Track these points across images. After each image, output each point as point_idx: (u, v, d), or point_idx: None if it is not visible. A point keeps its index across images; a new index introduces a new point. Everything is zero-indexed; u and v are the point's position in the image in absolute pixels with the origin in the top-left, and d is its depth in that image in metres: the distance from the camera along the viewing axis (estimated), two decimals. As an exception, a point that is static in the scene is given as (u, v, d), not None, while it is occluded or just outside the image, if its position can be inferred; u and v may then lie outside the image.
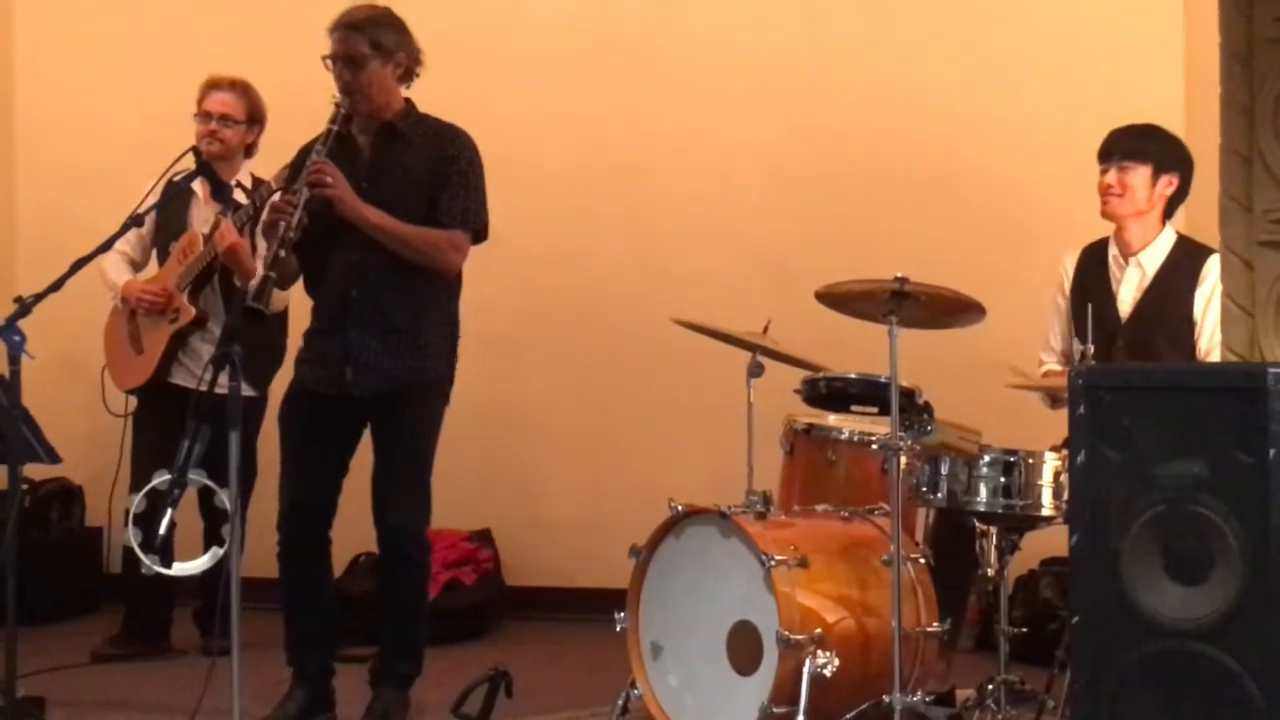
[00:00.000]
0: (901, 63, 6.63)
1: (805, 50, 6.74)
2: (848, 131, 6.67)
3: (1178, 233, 5.08)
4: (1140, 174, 4.98)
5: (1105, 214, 5.04)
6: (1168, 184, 5.00)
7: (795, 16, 6.77)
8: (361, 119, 4.84)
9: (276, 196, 4.80)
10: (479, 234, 4.89)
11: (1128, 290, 5.04)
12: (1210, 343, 4.83)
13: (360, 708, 4.86)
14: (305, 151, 4.80)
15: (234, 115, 5.95)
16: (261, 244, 5.70)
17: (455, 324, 4.97)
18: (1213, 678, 3.17)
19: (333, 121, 4.74)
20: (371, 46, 4.77)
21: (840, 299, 4.59)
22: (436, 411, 4.91)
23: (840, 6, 6.74)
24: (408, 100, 4.91)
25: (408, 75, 4.88)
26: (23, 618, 4.34)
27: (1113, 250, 5.10)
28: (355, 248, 4.75)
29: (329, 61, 4.78)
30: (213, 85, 5.99)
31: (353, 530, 5.00)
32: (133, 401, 5.97)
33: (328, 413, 4.82)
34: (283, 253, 4.55)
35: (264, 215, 4.73)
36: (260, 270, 4.62)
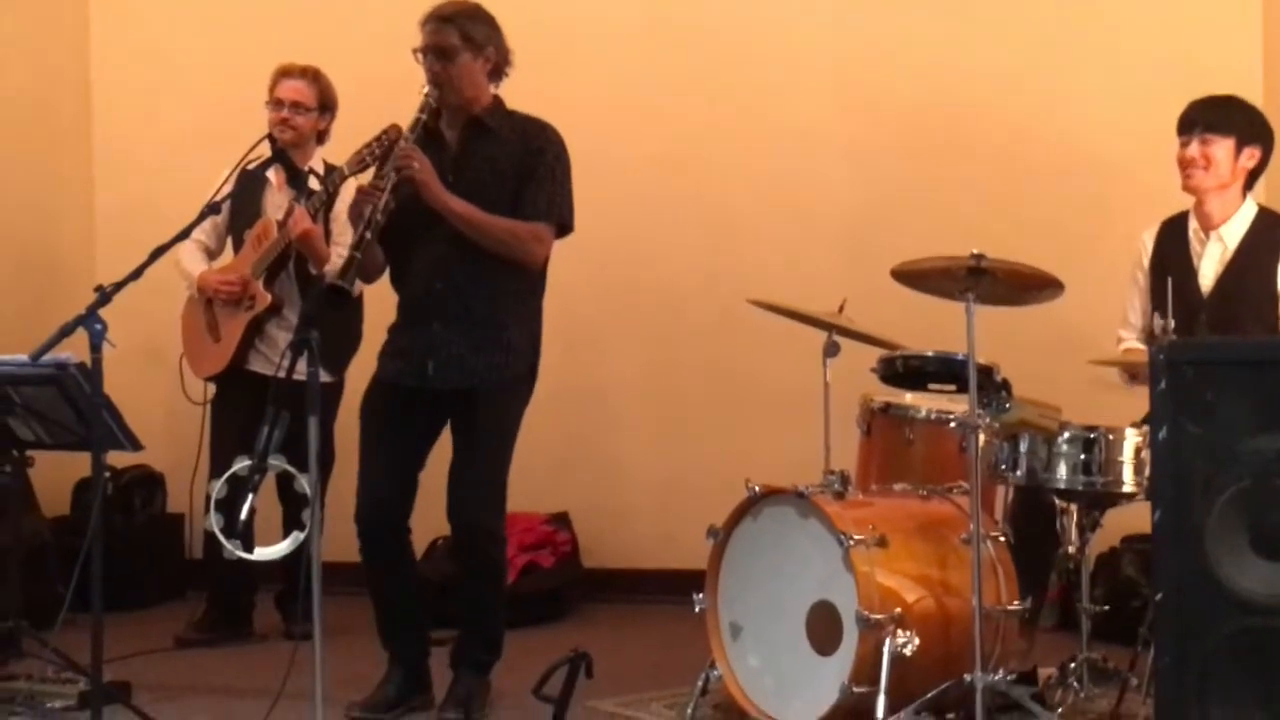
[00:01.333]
0: (974, 38, 6.57)
1: (875, 29, 6.70)
2: (920, 108, 6.63)
3: (1259, 205, 5.01)
4: (1223, 146, 4.90)
5: (1187, 187, 4.97)
6: (1250, 156, 4.92)
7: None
8: (449, 113, 4.84)
9: (363, 181, 4.81)
10: (564, 226, 4.87)
11: (1209, 265, 4.97)
12: (1293, 314, 4.77)
13: (441, 690, 4.89)
14: (391, 137, 4.79)
15: (305, 102, 5.98)
16: (336, 228, 5.75)
17: (539, 320, 4.96)
18: (1300, 654, 3.14)
19: (422, 110, 4.72)
20: (462, 39, 4.76)
21: (916, 277, 4.56)
22: (516, 411, 4.90)
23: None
24: (496, 96, 4.91)
25: (497, 72, 4.86)
26: (108, 603, 4.37)
27: (1193, 224, 5.03)
28: (440, 240, 4.75)
29: (419, 54, 4.78)
30: (284, 73, 6.02)
31: (431, 514, 5.01)
32: (211, 389, 6.00)
33: (407, 407, 4.83)
34: (369, 235, 4.56)
35: (351, 199, 4.74)
36: (346, 252, 4.63)
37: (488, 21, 4.84)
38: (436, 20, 4.79)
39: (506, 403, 4.86)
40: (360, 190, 4.69)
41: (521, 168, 4.80)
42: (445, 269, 4.79)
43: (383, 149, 4.80)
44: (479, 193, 4.75)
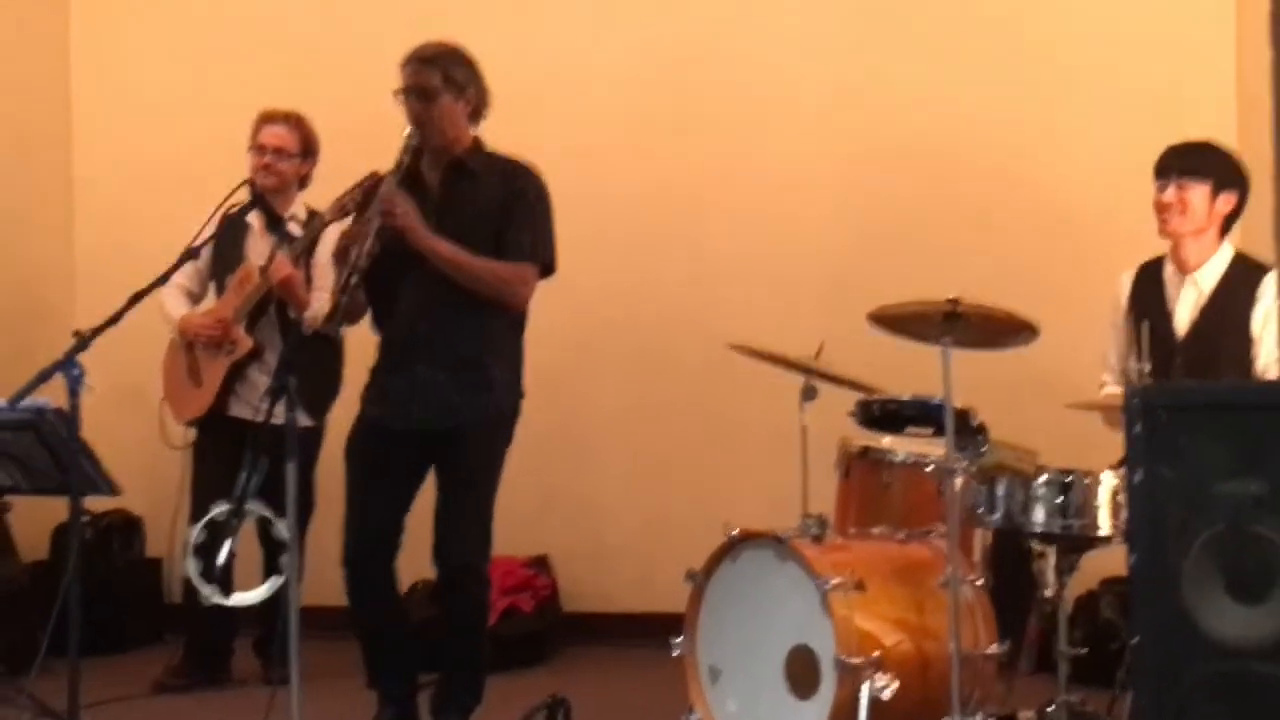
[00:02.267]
0: (957, 84, 6.62)
1: (859, 73, 6.74)
2: (901, 153, 6.66)
3: (1235, 250, 5.04)
4: (1199, 191, 4.93)
5: (1164, 232, 5.00)
6: (1226, 201, 4.95)
7: (847, 42, 6.77)
8: (430, 155, 4.86)
9: (349, 223, 4.83)
10: (547, 267, 4.91)
11: (1184, 309, 5.00)
12: (1269, 359, 4.80)
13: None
14: (374, 181, 4.81)
15: (288, 148, 5.99)
16: (317, 274, 5.76)
17: (520, 357, 4.99)
18: (1276, 698, 3.14)
19: (405, 152, 4.75)
20: (444, 80, 4.80)
21: (893, 321, 4.58)
22: (500, 449, 4.93)
23: (892, 32, 6.73)
24: (476, 138, 4.94)
25: (477, 114, 4.90)
26: (85, 648, 4.36)
27: (1169, 268, 5.06)
28: (423, 284, 4.77)
29: (400, 95, 4.80)
30: (266, 119, 6.03)
31: (410, 558, 5.01)
32: (191, 433, 6.00)
33: (393, 449, 4.84)
34: (354, 280, 4.58)
35: (333, 245, 4.76)
36: (329, 297, 4.64)
37: (468, 63, 4.87)
38: (418, 62, 4.81)
39: (491, 442, 4.89)
40: (344, 234, 4.71)
41: (503, 209, 4.83)
42: (429, 310, 4.81)
43: (363, 194, 4.81)
44: (462, 235, 4.77)
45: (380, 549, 4.87)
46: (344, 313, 4.64)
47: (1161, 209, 4.96)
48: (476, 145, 4.93)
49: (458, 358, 4.81)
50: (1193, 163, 4.94)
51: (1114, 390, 5.11)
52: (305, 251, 5.73)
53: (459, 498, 4.82)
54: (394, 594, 4.99)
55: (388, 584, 4.94)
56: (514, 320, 4.94)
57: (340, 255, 4.66)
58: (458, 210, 4.83)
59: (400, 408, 4.82)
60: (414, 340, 4.83)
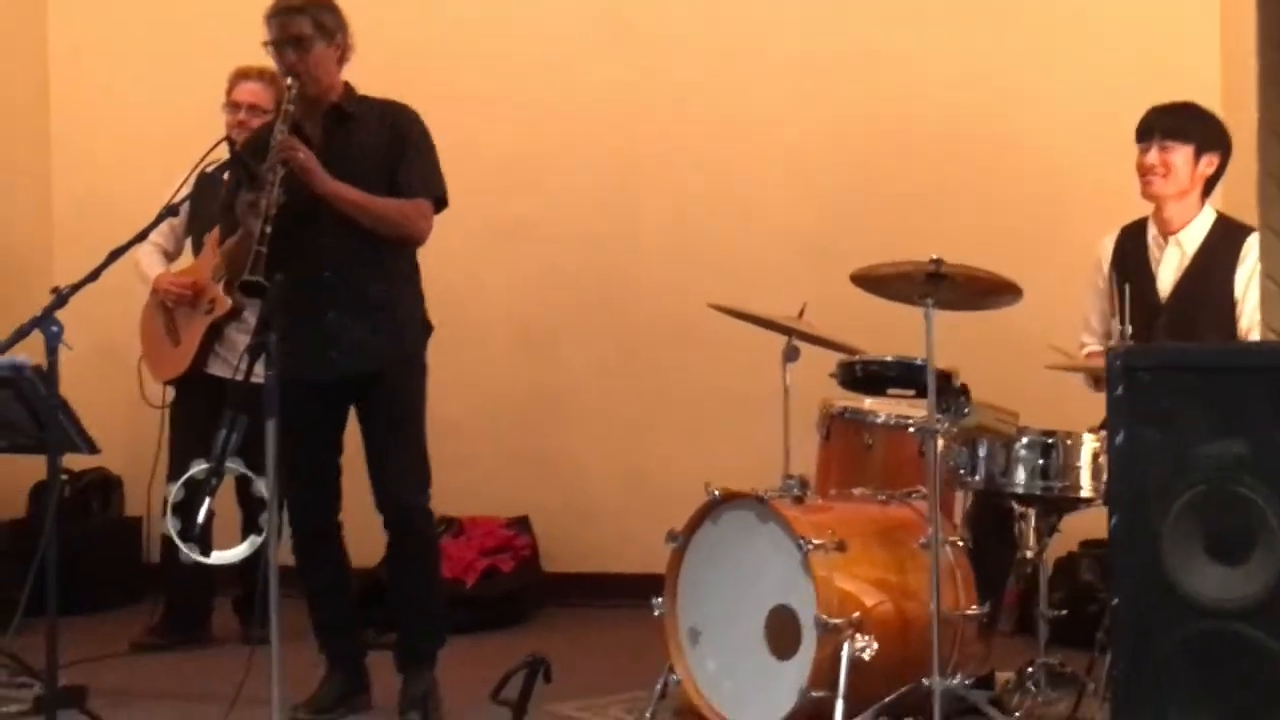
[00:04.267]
0: (933, 44, 6.59)
1: (836, 36, 6.70)
2: (881, 114, 6.64)
3: (1217, 212, 5.04)
4: (1182, 153, 4.93)
5: (1146, 194, 4.99)
6: (1209, 164, 4.95)
7: (827, 1, 6.74)
8: (306, 104, 4.84)
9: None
10: (440, 201, 4.92)
11: (1167, 270, 5.00)
12: (1251, 321, 4.79)
13: (379, 692, 4.92)
14: (261, 140, 4.80)
15: (263, 105, 5.94)
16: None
17: (422, 299, 5.00)
18: (1254, 658, 3.15)
19: (289, 102, 4.73)
20: (315, 27, 4.79)
21: (876, 282, 4.57)
22: (421, 387, 4.95)
23: (868, -7, 6.71)
24: (347, 84, 4.93)
25: (344, 57, 4.89)
26: (63, 607, 4.34)
27: (1152, 230, 5.05)
28: (323, 230, 4.77)
29: (271, 47, 4.80)
30: (242, 75, 5.99)
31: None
32: (170, 392, 5.99)
33: (313, 400, 4.79)
34: (267, 229, 4.55)
35: (241, 198, 4.73)
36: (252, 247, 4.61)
37: (334, 9, 4.87)
38: (286, 11, 4.80)
39: (411, 380, 4.92)
40: (252, 185, 4.68)
41: (390, 151, 4.85)
42: (333, 256, 4.81)
43: (252, 148, 4.80)
44: (353, 179, 4.77)
45: (320, 501, 4.90)
46: (265, 262, 4.59)
47: (1144, 171, 4.96)
48: (349, 90, 4.92)
49: (367, 301, 4.82)
50: (1175, 124, 4.94)
51: (1095, 349, 5.12)
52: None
53: (392, 439, 4.84)
54: (340, 551, 4.99)
55: (331, 537, 4.96)
56: (413, 263, 4.96)
57: (250, 208, 4.63)
58: (343, 156, 4.82)
59: (317, 358, 4.79)
60: (320, 288, 4.80)
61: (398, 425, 4.86)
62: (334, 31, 4.83)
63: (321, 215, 4.74)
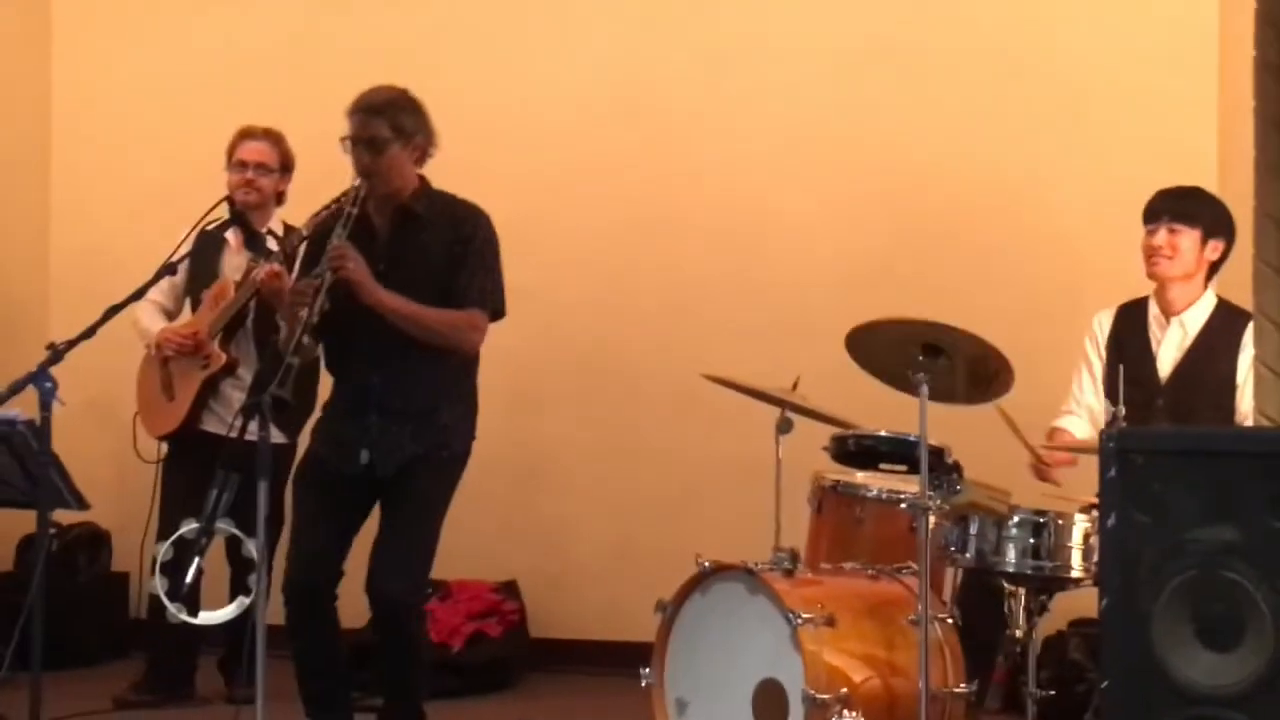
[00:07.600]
0: (932, 125, 6.61)
1: (838, 106, 6.73)
2: (878, 191, 6.66)
3: (1218, 296, 5.06)
4: (1190, 237, 4.96)
5: (1151, 274, 5.02)
6: (1214, 249, 4.98)
7: (826, 76, 6.77)
8: (377, 200, 4.83)
9: (295, 278, 4.80)
10: (496, 313, 4.90)
11: (1169, 350, 5.01)
12: (1249, 407, 4.79)
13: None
14: (322, 232, 4.79)
15: (268, 163, 5.99)
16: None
17: (474, 400, 4.98)
18: (1244, 746, 3.14)
19: (352, 204, 4.71)
20: (392, 130, 4.76)
21: (870, 353, 4.58)
22: (446, 489, 4.91)
23: (871, 69, 6.72)
24: (421, 178, 4.91)
25: (423, 157, 4.88)
26: (48, 662, 4.34)
27: (1153, 309, 5.07)
28: (376, 334, 4.75)
29: (348, 144, 4.78)
30: (246, 135, 6.02)
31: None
32: (164, 447, 5.98)
33: (341, 486, 4.82)
34: (305, 340, 4.53)
35: (286, 299, 4.72)
36: (284, 358, 4.59)
37: (416, 109, 4.84)
38: (365, 111, 4.79)
39: (438, 479, 4.88)
40: (294, 291, 4.68)
41: (453, 256, 4.83)
42: (381, 362, 4.79)
43: (309, 247, 4.77)
44: (411, 281, 4.76)
45: (321, 579, 4.84)
46: (295, 370, 4.56)
47: (1151, 252, 4.98)
48: (423, 186, 4.91)
49: (411, 408, 4.81)
50: (1184, 208, 4.97)
51: (1063, 428, 5.12)
52: (283, 267, 5.70)
53: (398, 532, 4.82)
54: (333, 625, 4.94)
55: (327, 614, 4.90)
56: (466, 363, 4.93)
57: (290, 313, 4.62)
58: (407, 257, 4.81)
59: (351, 453, 4.80)
60: (367, 390, 4.82)
61: (408, 520, 4.83)
62: (412, 134, 4.80)
63: (375, 319, 4.72)
